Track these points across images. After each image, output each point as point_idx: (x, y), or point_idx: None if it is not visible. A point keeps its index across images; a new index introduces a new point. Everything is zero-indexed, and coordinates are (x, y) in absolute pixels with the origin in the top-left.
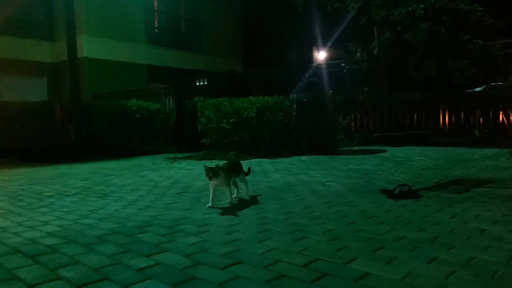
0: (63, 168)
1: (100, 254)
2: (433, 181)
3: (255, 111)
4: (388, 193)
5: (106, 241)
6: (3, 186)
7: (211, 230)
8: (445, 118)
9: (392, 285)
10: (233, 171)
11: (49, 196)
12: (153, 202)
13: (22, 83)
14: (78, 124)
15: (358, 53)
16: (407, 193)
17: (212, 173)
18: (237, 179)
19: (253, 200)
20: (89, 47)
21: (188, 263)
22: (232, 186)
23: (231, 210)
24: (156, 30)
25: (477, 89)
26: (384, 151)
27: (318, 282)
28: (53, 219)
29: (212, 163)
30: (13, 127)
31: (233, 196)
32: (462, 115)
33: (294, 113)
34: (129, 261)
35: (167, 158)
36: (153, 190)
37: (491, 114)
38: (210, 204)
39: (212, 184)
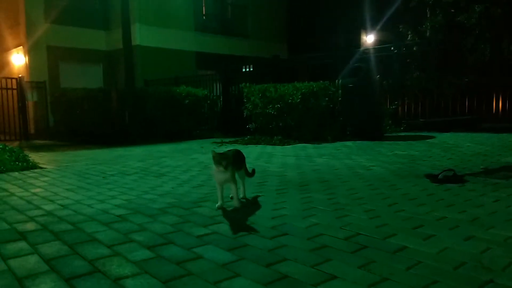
0: (120, 151)
1: (163, 223)
2: (481, 167)
3: (299, 96)
4: (432, 178)
5: (167, 213)
6: (70, 165)
7: (259, 206)
8: (499, 104)
9: (428, 257)
10: (236, 164)
11: (112, 175)
12: (205, 182)
13: (79, 70)
14: (132, 110)
15: (409, 36)
16: (452, 178)
17: (226, 161)
18: (237, 174)
19: (297, 182)
20: (141, 35)
21: (240, 233)
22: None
23: (276, 189)
24: (204, 17)
25: None
26: (432, 137)
27: (358, 252)
28: (118, 194)
29: (256, 148)
30: (74, 112)
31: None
32: None
33: (340, 99)
34: (188, 229)
35: (214, 142)
36: (204, 171)
37: None
38: (220, 203)
39: (220, 178)
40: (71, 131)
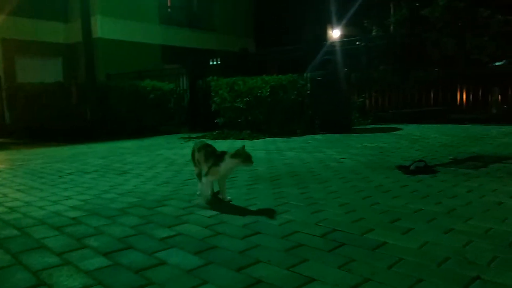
0: (81, 148)
1: (123, 225)
2: (450, 157)
3: (268, 90)
4: (404, 169)
5: (127, 214)
6: (24, 164)
7: (229, 204)
8: (463, 95)
9: (410, 253)
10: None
11: (69, 173)
12: (170, 179)
13: (37, 64)
14: (93, 105)
15: (374, 31)
16: (423, 169)
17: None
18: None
19: (268, 177)
20: (103, 27)
21: (208, 234)
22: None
23: (247, 185)
24: (169, 10)
25: (497, 63)
26: (400, 129)
27: (336, 251)
28: (74, 194)
29: (225, 143)
30: (31, 108)
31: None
32: (480, 92)
33: (308, 92)
34: (151, 231)
35: (181, 137)
36: (169, 167)
37: (509, 91)
38: (208, 198)
39: (226, 173)
40: (30, 129)
